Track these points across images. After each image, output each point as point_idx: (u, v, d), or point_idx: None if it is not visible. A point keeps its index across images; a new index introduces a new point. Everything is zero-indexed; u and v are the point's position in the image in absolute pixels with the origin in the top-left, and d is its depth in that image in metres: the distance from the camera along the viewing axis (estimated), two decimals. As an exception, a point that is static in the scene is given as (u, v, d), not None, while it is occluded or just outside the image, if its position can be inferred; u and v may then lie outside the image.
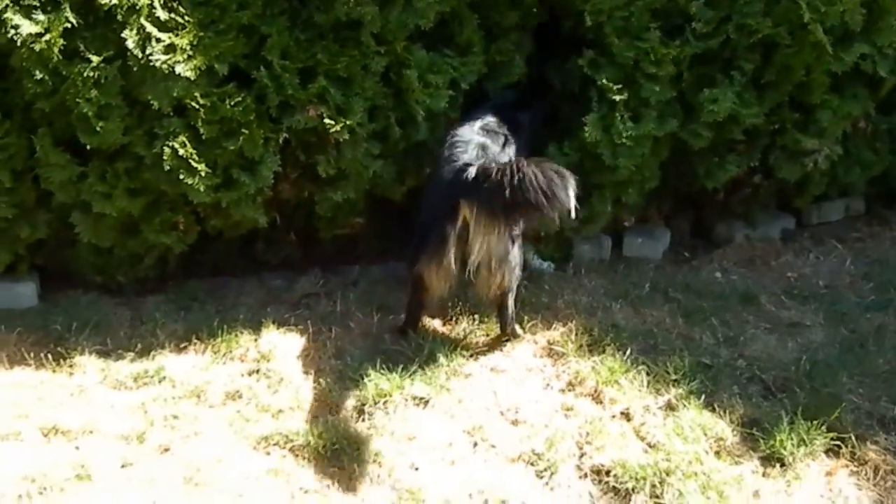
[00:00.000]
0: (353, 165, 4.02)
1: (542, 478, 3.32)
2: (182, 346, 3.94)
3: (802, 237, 5.18)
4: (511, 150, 3.97)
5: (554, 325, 4.16)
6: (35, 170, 3.82)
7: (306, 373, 3.79)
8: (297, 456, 3.32)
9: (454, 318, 4.18)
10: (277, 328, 4.06)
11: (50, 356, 3.79)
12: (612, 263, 4.82)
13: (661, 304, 4.42)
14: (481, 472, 3.32)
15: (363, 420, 3.53)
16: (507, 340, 4.04)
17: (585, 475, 3.34)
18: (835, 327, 4.30)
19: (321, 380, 3.73)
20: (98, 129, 3.58)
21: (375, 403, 3.59)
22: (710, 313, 4.34)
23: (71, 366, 3.77)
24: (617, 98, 3.97)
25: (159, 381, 3.70)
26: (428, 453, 3.40)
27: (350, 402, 3.61)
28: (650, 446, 3.44)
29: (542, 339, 4.10)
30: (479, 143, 3.85)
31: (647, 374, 3.82)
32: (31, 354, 3.81)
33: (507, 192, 3.34)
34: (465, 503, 3.17)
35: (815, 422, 3.50)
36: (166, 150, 3.66)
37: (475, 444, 3.46)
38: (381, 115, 4.03)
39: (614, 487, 3.27)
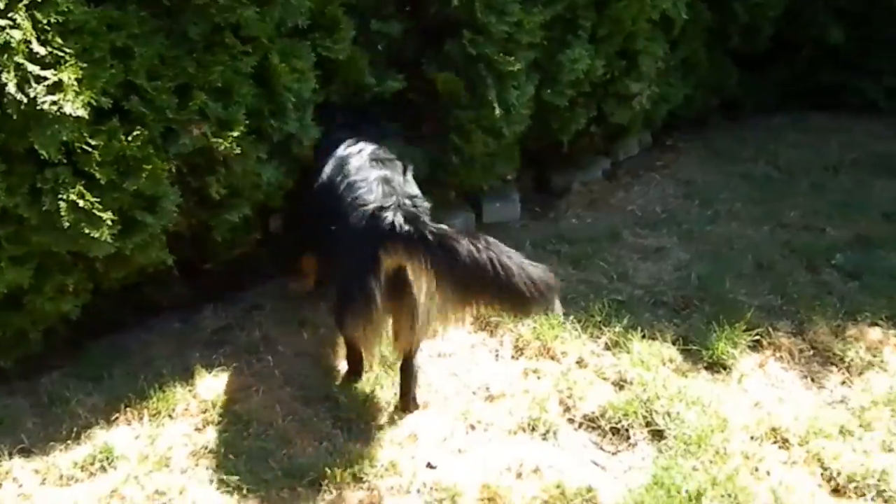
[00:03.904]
0: (246, 178, 3.76)
1: (547, 440, 3.45)
2: (112, 418, 3.47)
3: (621, 174, 5.72)
4: (410, 174, 3.70)
5: (472, 300, 4.26)
6: None
7: (268, 408, 3.53)
8: (319, 489, 3.12)
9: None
10: (209, 371, 3.73)
11: (-39, 475, 3.16)
12: (483, 232, 4.96)
13: (548, 259, 4.64)
14: (493, 451, 3.36)
15: (360, 435, 3.40)
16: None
17: (581, 425, 3.52)
18: (691, 244, 4.86)
19: (290, 410, 3.51)
20: (-17, 195, 3.02)
21: (360, 416, 3.48)
22: (591, 256, 4.69)
23: (-7, 477, 3.18)
24: (511, 69, 4.10)
25: (114, 462, 3.25)
26: (435, 448, 3.38)
27: (335, 423, 3.46)
28: (622, 382, 3.70)
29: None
30: (379, 177, 3.49)
31: (577, 321, 4.07)
32: (-66, 480, 3.17)
33: (486, 277, 3.09)
34: (503, 480, 3.19)
35: (733, 326, 3.97)
36: (62, 203, 3.18)
37: (473, 427, 3.50)
38: (255, 113, 3.76)
39: (613, 429, 3.49)
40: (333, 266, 3.65)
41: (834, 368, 3.88)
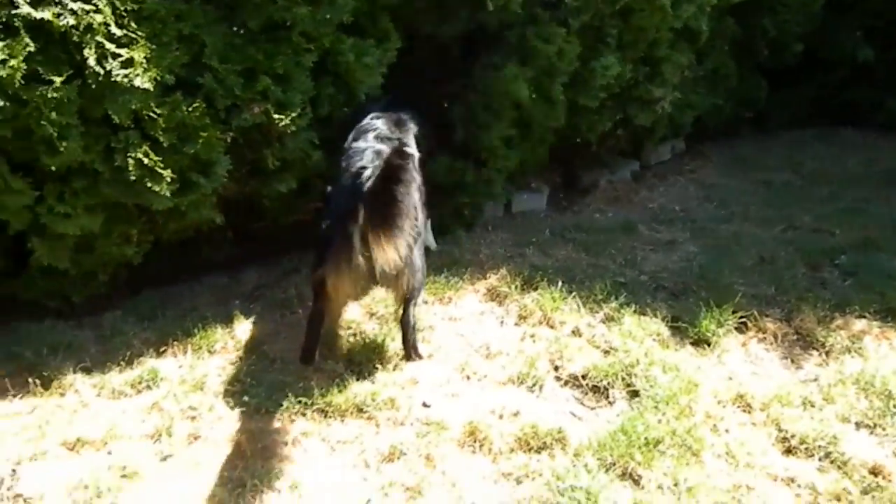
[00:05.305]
0: (296, 154, 4.33)
1: (532, 392, 3.86)
2: (161, 350, 4.05)
3: (648, 176, 6.11)
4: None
5: (487, 275, 4.72)
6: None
7: (292, 350, 4.04)
8: (326, 416, 3.62)
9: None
10: (246, 318, 4.29)
11: (34, 383, 3.77)
12: (509, 219, 5.47)
13: (564, 245, 5.12)
14: (482, 397, 3.79)
15: (367, 375, 3.88)
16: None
17: (566, 383, 3.92)
18: (701, 239, 5.21)
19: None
20: (62, 149, 3.65)
21: (370, 361, 3.97)
22: (604, 245, 5.10)
23: (60, 387, 3.76)
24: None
25: (158, 383, 3.83)
26: (432, 392, 3.83)
27: (347, 367, 3.95)
28: (609, 350, 4.09)
29: (481, 287, 4.64)
30: (374, 150, 3.87)
31: (580, 298, 4.47)
32: (11, 385, 3.79)
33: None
34: (486, 420, 3.62)
35: (722, 308, 4.32)
36: (130, 161, 3.79)
37: (468, 378, 3.94)
38: (324, 102, 4.36)
39: (594, 387, 3.88)
40: (324, 220, 3.87)
41: (814, 352, 4.18)
